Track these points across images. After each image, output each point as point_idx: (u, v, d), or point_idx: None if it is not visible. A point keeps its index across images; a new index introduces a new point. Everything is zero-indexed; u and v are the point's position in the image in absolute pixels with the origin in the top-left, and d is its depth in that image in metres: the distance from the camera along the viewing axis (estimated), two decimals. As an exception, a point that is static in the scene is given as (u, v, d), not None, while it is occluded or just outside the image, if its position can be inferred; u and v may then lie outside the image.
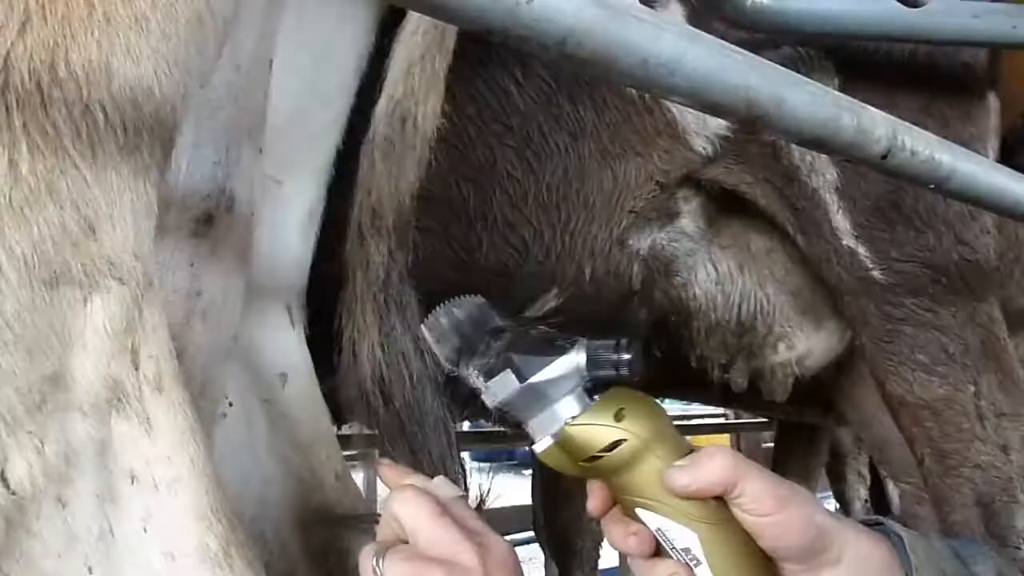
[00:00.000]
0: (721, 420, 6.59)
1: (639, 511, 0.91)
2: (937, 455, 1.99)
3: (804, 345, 2.23)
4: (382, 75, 1.34)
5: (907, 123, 1.23)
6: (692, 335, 2.23)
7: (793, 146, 1.87)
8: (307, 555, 1.36)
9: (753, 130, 1.76)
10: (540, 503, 3.72)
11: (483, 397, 0.95)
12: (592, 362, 0.90)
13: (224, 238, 1.21)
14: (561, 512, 3.54)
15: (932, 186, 1.30)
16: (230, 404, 1.35)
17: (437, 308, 1.03)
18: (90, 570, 0.86)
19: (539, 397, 0.91)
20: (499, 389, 0.93)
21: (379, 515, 1.00)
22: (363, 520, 1.37)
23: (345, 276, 1.30)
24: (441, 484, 0.99)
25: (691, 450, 0.93)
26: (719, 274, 2.15)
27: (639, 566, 0.95)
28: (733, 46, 1.00)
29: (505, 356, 0.93)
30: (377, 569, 0.91)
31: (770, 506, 0.89)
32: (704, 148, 1.91)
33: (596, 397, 0.92)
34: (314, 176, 1.51)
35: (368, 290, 1.21)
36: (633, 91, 1.82)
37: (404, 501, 0.95)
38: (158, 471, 0.89)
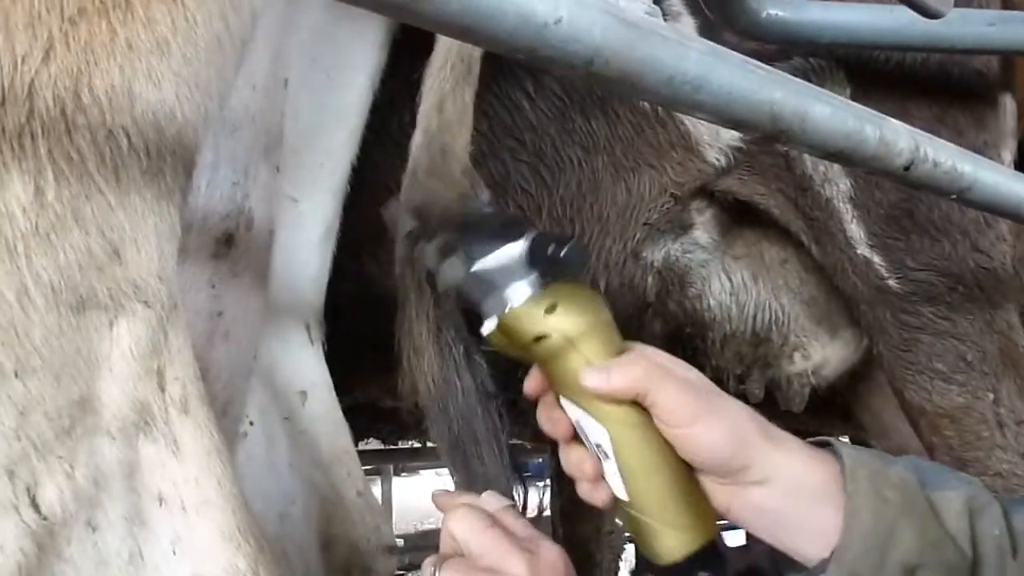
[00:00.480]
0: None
1: (563, 401, 0.95)
2: (957, 464, 1.98)
3: (820, 355, 2.23)
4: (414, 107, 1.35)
5: (928, 134, 1.23)
6: (707, 346, 2.22)
7: (806, 156, 1.88)
8: (330, 573, 1.36)
9: (777, 144, 1.76)
10: (558, 516, 3.72)
11: (436, 280, 0.98)
12: (532, 253, 0.92)
13: (244, 258, 1.22)
14: (580, 525, 3.53)
15: (953, 196, 1.30)
16: (251, 423, 1.36)
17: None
18: (121, 593, 0.86)
19: (486, 283, 0.93)
20: (449, 272, 0.95)
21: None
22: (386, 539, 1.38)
23: (400, 298, 1.30)
24: (489, 498, 1.03)
25: (622, 351, 0.95)
26: (733, 284, 2.15)
27: (560, 450, 1.00)
28: (756, 62, 1.01)
29: (456, 239, 0.95)
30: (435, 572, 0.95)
31: (681, 418, 0.91)
32: (717, 159, 1.92)
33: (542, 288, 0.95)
34: (330, 194, 1.52)
35: (423, 311, 1.22)
36: (646, 104, 1.82)
37: (457, 518, 0.98)
38: (186, 493, 0.89)
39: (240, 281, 1.22)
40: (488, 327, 0.95)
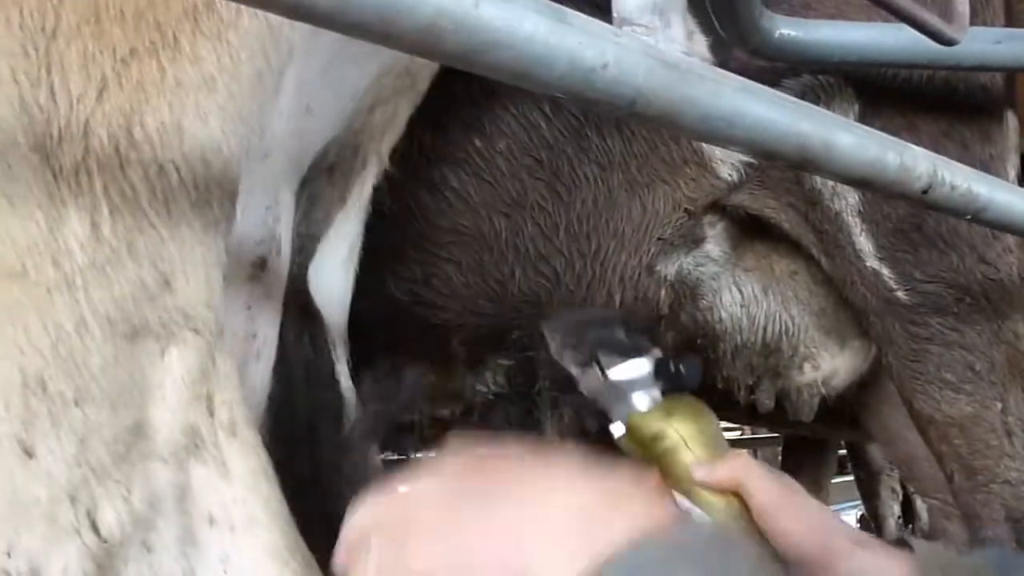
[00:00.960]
0: (738, 435, 6.63)
1: (676, 494, 1.00)
2: (966, 472, 2.02)
3: (829, 365, 2.26)
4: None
5: (945, 159, 1.27)
6: (719, 357, 2.25)
7: (815, 170, 1.90)
8: None
9: (803, 172, 1.80)
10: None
11: (579, 385, 1.09)
12: (657, 371, 1.04)
13: (275, 280, 1.25)
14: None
15: (968, 217, 1.34)
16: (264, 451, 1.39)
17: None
18: (175, 612, 0.90)
19: (617, 391, 1.04)
20: (588, 381, 1.06)
21: None
22: None
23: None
24: None
25: (725, 454, 1.04)
26: (744, 297, 2.18)
27: None
28: (785, 95, 1.05)
29: (593, 353, 1.07)
30: None
31: (771, 508, 0.97)
32: (730, 175, 1.95)
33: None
34: (353, 215, 1.54)
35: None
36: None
37: None
38: (235, 513, 0.93)
39: (272, 303, 1.25)
40: (617, 429, 1.05)
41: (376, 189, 1.63)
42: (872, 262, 1.98)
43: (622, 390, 1.05)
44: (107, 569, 0.86)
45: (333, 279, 1.51)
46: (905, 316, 1.99)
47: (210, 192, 0.93)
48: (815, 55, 1.63)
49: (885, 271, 1.98)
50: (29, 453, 0.81)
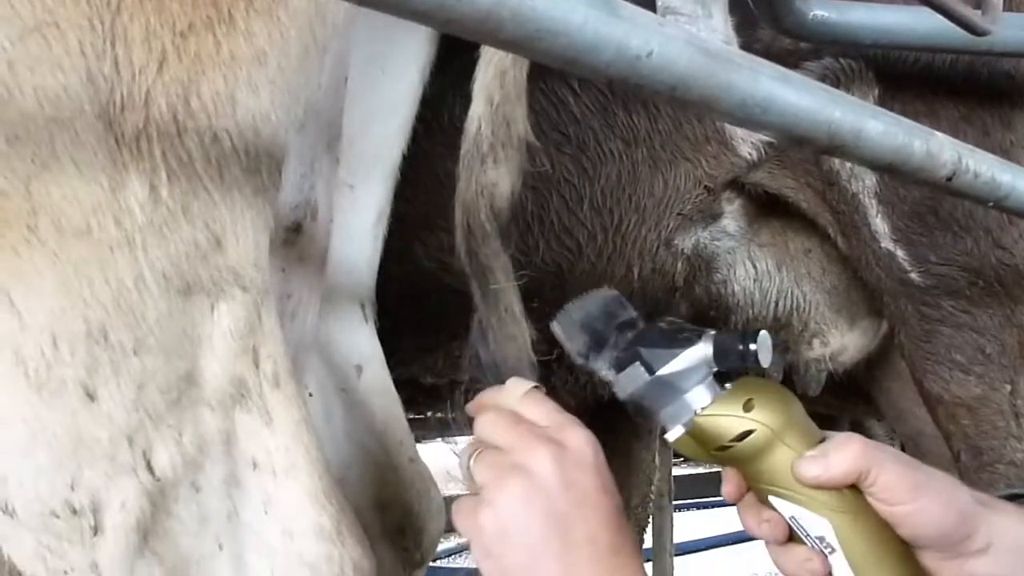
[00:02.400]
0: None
1: (772, 499, 0.93)
2: (972, 451, 2.06)
3: (838, 342, 2.31)
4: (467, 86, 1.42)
5: (970, 147, 1.30)
6: (730, 330, 2.31)
7: (834, 151, 1.95)
8: (385, 534, 1.44)
9: (832, 157, 1.84)
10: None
11: (614, 390, 0.99)
12: (719, 354, 0.93)
13: (309, 244, 1.31)
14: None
15: (991, 204, 1.38)
16: (310, 394, 1.45)
17: (568, 304, 1.08)
18: (220, 547, 0.97)
19: (668, 389, 0.95)
20: (628, 382, 0.97)
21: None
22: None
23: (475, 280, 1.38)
24: (513, 385, 1.03)
25: (823, 439, 0.95)
26: (758, 271, 2.23)
27: (774, 551, 0.97)
28: (818, 83, 1.09)
29: (633, 349, 0.97)
30: (469, 468, 0.98)
31: (904, 495, 0.91)
32: (750, 154, 2.00)
33: (728, 386, 0.95)
34: (383, 180, 1.59)
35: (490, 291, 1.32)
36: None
37: (483, 422, 1.00)
38: (277, 459, 1.00)
39: (306, 266, 1.31)
40: (675, 433, 0.95)
41: (407, 157, 1.69)
42: (887, 243, 2.03)
43: (676, 387, 0.94)
44: (159, 506, 0.93)
45: (362, 244, 1.56)
46: (918, 297, 2.03)
47: (259, 159, 0.99)
48: (848, 37, 1.65)
49: (900, 252, 2.03)
50: (92, 397, 0.89)
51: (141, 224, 0.91)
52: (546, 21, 0.77)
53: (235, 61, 0.96)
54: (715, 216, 2.16)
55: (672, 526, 5.19)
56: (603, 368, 1.01)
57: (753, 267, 2.24)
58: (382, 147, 1.61)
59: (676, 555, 5.33)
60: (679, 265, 2.15)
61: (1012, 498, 1.02)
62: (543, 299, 2.15)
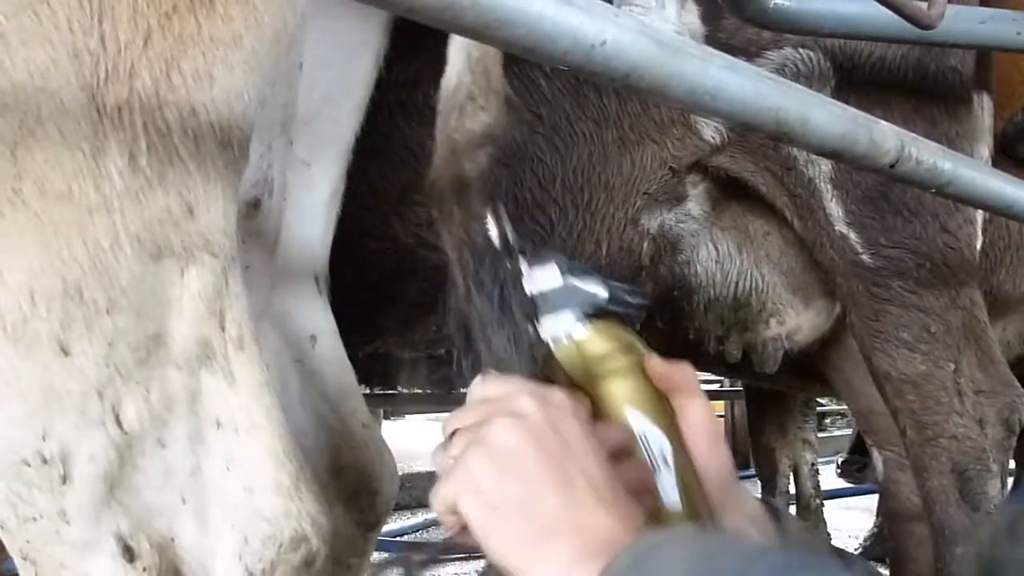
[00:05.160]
0: (716, 387, 6.78)
1: (629, 411, 1.01)
2: (917, 426, 2.13)
3: (794, 321, 2.38)
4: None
5: (914, 135, 1.36)
6: (692, 309, 2.37)
7: (792, 137, 2.01)
8: (340, 497, 1.49)
9: (779, 143, 1.89)
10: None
11: (524, 281, 1.05)
12: (612, 297, 1.03)
13: (265, 220, 1.35)
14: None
15: (933, 191, 1.44)
16: (266, 364, 1.49)
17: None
18: (184, 501, 1.03)
19: (565, 299, 1.03)
20: (542, 278, 1.04)
21: None
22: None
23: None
24: (482, 381, 1.03)
25: None
26: (719, 253, 2.29)
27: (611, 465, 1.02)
28: (767, 73, 1.15)
29: (553, 255, 1.06)
30: (446, 453, 0.93)
31: (703, 434, 1.01)
32: (713, 137, 2.05)
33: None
34: (337, 159, 1.62)
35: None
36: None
37: (455, 416, 0.97)
38: (239, 418, 1.05)
39: (262, 239, 1.35)
40: (560, 339, 1.02)
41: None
42: (840, 226, 2.09)
43: (571, 300, 1.02)
44: (126, 459, 0.99)
45: (317, 220, 1.59)
46: (868, 278, 2.10)
47: (232, 133, 1.04)
48: (807, 26, 1.71)
49: (852, 235, 2.10)
50: (65, 351, 0.94)
51: (119, 190, 0.96)
52: (505, 11, 0.82)
53: (214, 42, 1.02)
54: (680, 199, 2.22)
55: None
56: (521, 260, 1.06)
57: (715, 249, 2.31)
58: (337, 127, 1.63)
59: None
60: (645, 245, 2.21)
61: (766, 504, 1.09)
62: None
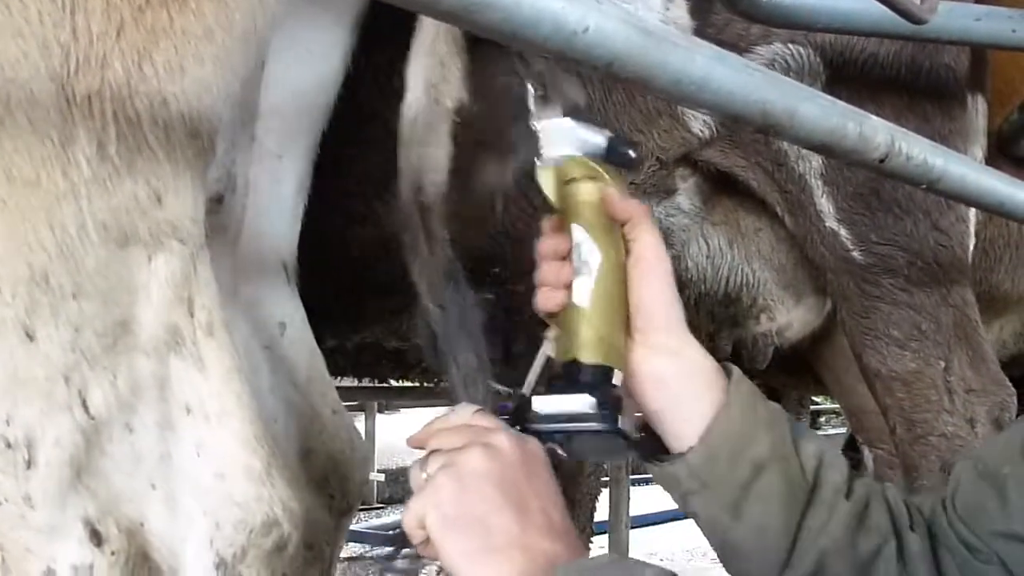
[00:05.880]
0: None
1: (574, 225, 1.09)
2: (907, 424, 2.13)
3: (785, 318, 2.38)
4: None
5: (904, 130, 1.36)
6: (682, 304, 2.36)
7: (783, 133, 2.00)
8: (311, 482, 1.50)
9: (767, 136, 1.89)
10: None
11: (531, 109, 1.12)
12: (609, 147, 1.10)
13: (228, 215, 1.36)
14: (561, 464, 3.69)
15: (924, 186, 1.44)
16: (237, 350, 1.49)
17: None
18: (153, 487, 1.04)
19: (564, 138, 1.10)
20: (551, 117, 1.10)
21: None
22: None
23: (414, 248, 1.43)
24: (462, 408, 1.08)
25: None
26: (710, 248, 2.29)
27: (542, 263, 1.11)
28: (755, 64, 1.14)
29: (570, 103, 1.11)
30: (422, 470, 0.98)
31: (654, 258, 1.06)
32: (701, 131, 2.05)
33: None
34: (306, 153, 1.64)
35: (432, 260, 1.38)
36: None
37: (436, 437, 1.02)
38: (209, 404, 1.06)
39: (225, 232, 1.36)
40: (556, 158, 1.10)
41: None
42: (831, 223, 2.09)
43: (570, 137, 1.09)
44: (94, 444, 1.00)
45: (285, 210, 1.60)
46: (859, 275, 2.10)
47: (201, 124, 1.05)
48: (800, 20, 1.70)
49: (843, 232, 2.09)
50: (30, 336, 0.95)
51: (87, 177, 0.97)
52: (483, -6, 0.81)
53: (186, 35, 1.03)
54: (670, 192, 2.21)
55: (629, 500, 5.29)
56: (533, 90, 1.12)
57: (706, 244, 2.30)
58: (308, 121, 1.65)
59: (632, 528, 5.44)
60: (633, 238, 2.20)
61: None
62: (504, 265, 2.21)
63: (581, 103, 1.16)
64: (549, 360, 1.11)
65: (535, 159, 1.12)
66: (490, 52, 1.61)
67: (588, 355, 1.05)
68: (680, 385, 1.06)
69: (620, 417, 1.03)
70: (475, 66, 1.61)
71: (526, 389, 1.08)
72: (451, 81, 1.44)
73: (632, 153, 1.12)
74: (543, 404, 1.05)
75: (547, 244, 1.11)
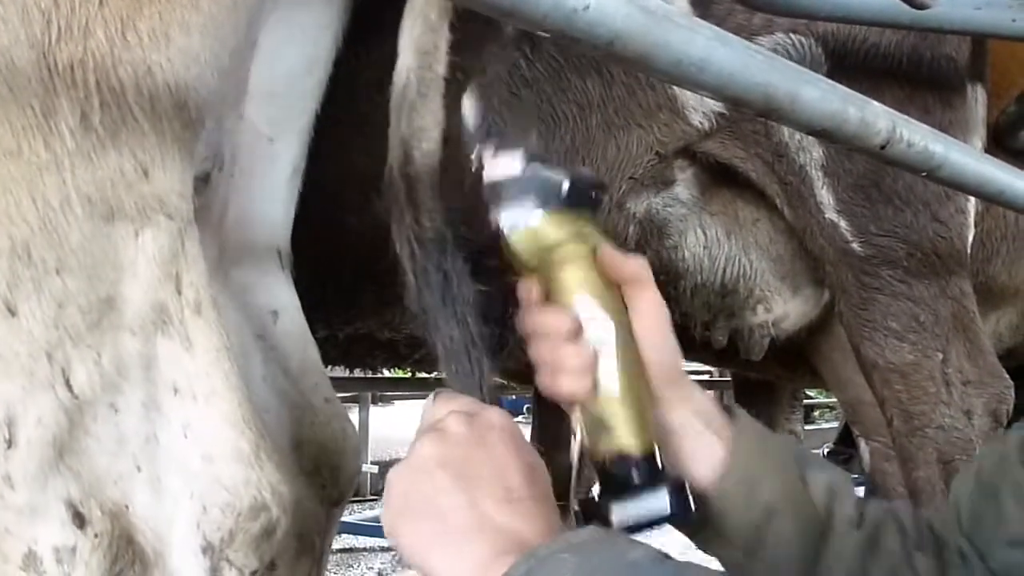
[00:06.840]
0: (705, 378, 6.76)
1: (578, 298, 1.03)
2: (904, 416, 2.12)
3: (781, 309, 2.36)
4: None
5: (905, 117, 1.34)
6: (678, 294, 2.35)
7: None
8: (303, 472, 1.47)
9: (768, 120, 1.87)
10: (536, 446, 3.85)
11: (484, 169, 1.05)
12: (571, 189, 1.02)
13: (214, 195, 1.33)
14: (556, 457, 3.68)
15: (924, 174, 1.42)
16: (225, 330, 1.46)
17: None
18: (138, 468, 1.01)
19: (525, 188, 1.02)
20: (503, 166, 1.04)
21: None
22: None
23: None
24: (434, 404, 1.04)
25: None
26: (707, 239, 2.27)
27: (547, 345, 1.05)
28: (756, 47, 1.12)
29: (523, 142, 1.06)
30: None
31: (662, 317, 1.04)
32: (701, 123, 2.03)
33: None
34: (299, 135, 1.60)
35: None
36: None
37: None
38: (197, 384, 1.03)
39: (211, 213, 1.33)
40: (519, 226, 1.02)
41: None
42: (831, 214, 2.08)
43: (530, 190, 1.02)
44: (77, 424, 0.97)
45: (279, 195, 1.57)
46: (858, 266, 2.08)
47: (188, 95, 1.03)
48: (804, 8, 1.69)
49: (843, 223, 2.08)
50: (12, 312, 0.92)
51: (71, 148, 0.95)
52: (482, -31, 0.79)
53: (171, 3, 1.01)
54: (667, 183, 2.20)
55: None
56: (485, 147, 1.06)
57: (704, 234, 2.28)
58: (300, 103, 1.62)
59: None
60: (631, 228, 2.19)
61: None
62: (499, 257, 2.19)
63: (530, 136, 1.09)
64: (583, 446, 1.06)
65: (499, 224, 1.04)
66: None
67: (638, 447, 1.01)
68: (695, 430, 1.06)
69: (691, 497, 1.01)
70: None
71: (588, 492, 1.02)
72: (442, 48, 1.41)
73: (597, 193, 1.06)
74: (621, 515, 1.00)
75: (545, 321, 1.05)
